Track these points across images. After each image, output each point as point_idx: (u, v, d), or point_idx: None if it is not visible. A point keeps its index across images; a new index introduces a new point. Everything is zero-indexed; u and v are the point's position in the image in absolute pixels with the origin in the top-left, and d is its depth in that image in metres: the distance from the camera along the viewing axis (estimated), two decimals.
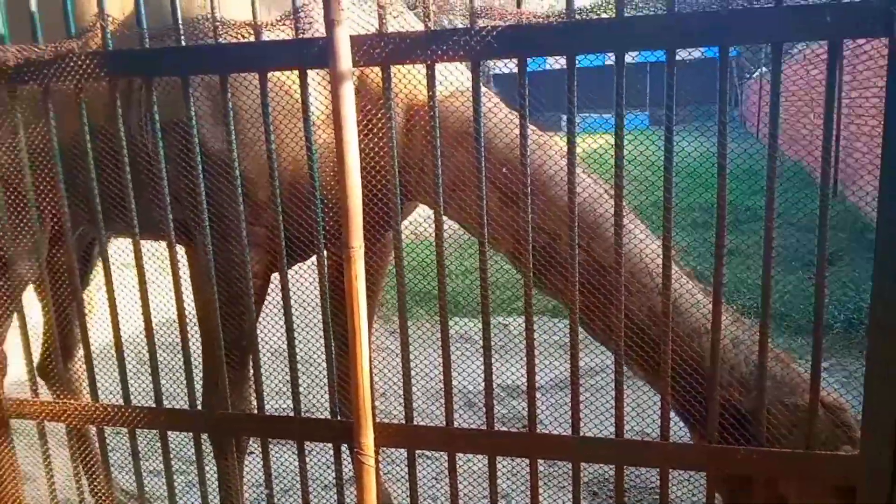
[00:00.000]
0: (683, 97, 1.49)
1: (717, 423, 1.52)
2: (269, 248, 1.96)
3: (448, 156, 1.77)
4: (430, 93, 1.51)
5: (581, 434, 1.58)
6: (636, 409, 1.89)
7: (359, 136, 1.66)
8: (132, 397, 1.88)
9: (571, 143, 1.46)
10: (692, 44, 1.37)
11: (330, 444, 1.78)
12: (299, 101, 1.65)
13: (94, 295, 2.81)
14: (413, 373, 1.71)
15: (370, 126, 1.74)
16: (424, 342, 1.96)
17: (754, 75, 16.26)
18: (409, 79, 1.74)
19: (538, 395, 1.63)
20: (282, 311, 1.76)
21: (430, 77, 1.50)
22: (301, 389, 1.77)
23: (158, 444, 1.90)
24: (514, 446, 1.68)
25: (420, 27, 1.59)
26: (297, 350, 1.76)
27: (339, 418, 1.77)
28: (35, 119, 1.75)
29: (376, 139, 1.73)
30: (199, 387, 1.89)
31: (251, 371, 1.90)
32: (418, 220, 2.49)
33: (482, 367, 1.63)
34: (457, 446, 1.69)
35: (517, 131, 1.60)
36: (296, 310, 1.77)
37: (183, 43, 1.58)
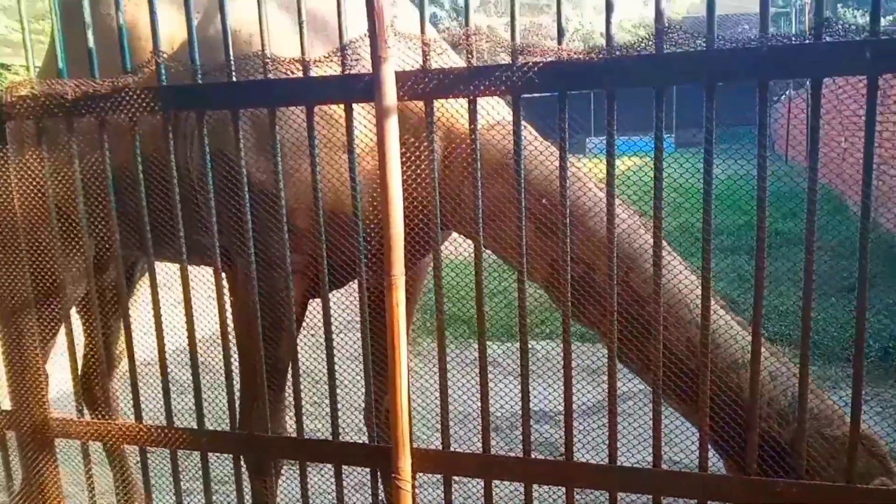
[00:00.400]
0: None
1: (756, 454, 1.52)
2: (307, 274, 2.01)
3: (486, 186, 1.81)
4: (472, 126, 1.56)
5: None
6: (667, 436, 1.89)
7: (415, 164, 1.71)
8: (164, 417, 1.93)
9: (611, 177, 1.49)
10: (731, 79, 1.40)
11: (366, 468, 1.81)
12: (341, 132, 1.71)
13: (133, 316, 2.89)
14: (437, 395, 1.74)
15: (409, 156, 1.79)
16: (450, 365, 1.97)
17: (782, 97, 16.18)
18: (448, 109, 1.79)
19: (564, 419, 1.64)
20: (309, 333, 1.80)
21: (472, 111, 1.55)
22: (325, 412, 1.80)
23: (186, 464, 1.95)
24: (551, 474, 1.69)
25: (459, 62, 1.64)
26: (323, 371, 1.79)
27: (375, 443, 1.80)
28: (90, 149, 1.82)
29: (415, 169, 1.77)
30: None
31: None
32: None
33: (507, 392, 1.65)
34: (493, 473, 1.70)
35: (555, 163, 1.64)
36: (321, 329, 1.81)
37: (234, 78, 1.64)
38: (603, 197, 1.77)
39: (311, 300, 2.15)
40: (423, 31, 1.55)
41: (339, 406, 1.82)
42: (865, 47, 1.29)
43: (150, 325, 1.90)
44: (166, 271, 2.08)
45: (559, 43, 1.47)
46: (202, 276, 1.95)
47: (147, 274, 1.94)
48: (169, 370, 1.90)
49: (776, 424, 1.63)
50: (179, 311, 1.87)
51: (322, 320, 1.78)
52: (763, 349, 1.56)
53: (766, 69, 1.37)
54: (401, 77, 1.52)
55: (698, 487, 1.53)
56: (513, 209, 1.71)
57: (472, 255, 1.67)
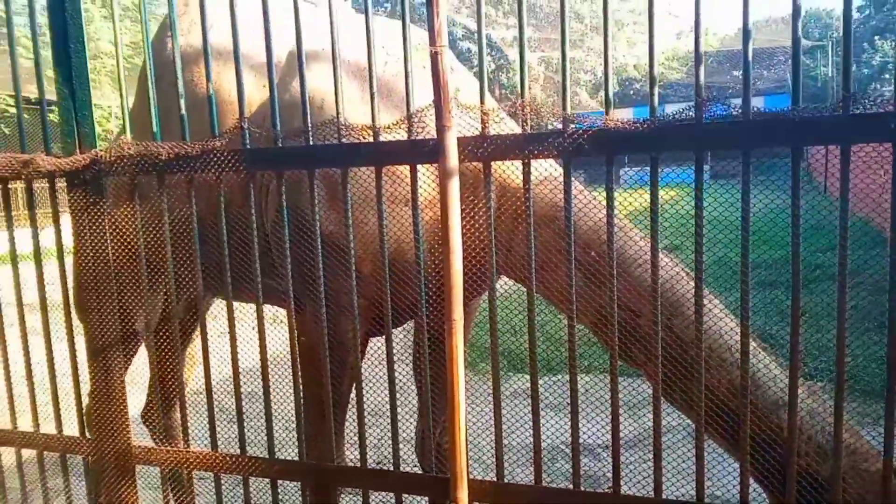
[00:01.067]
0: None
1: (795, 490, 1.62)
2: (368, 317, 2.18)
3: (535, 237, 1.96)
4: (526, 186, 1.72)
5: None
6: (709, 470, 1.99)
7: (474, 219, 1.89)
8: (219, 444, 2.10)
9: (654, 232, 1.63)
10: (765, 145, 1.54)
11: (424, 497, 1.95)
12: (403, 187, 1.90)
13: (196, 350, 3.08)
14: (478, 427, 1.87)
15: (466, 209, 1.96)
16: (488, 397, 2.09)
17: None
18: (500, 165, 1.96)
19: (603, 452, 1.76)
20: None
21: (526, 173, 1.71)
22: (371, 441, 1.95)
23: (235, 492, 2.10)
24: None
25: (514, 127, 1.81)
26: (368, 403, 1.94)
27: (434, 473, 1.94)
28: (178, 203, 2.03)
29: (472, 221, 1.94)
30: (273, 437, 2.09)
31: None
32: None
33: (548, 424, 1.77)
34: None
35: (600, 215, 1.79)
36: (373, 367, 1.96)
37: (311, 142, 1.84)
38: (646, 246, 1.91)
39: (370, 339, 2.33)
40: (482, 101, 1.72)
41: (383, 436, 1.97)
42: (889, 118, 1.43)
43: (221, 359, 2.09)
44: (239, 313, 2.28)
45: (606, 112, 1.63)
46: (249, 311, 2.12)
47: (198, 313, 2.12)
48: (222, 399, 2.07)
49: (814, 462, 1.73)
50: (252, 349, 2.05)
51: (384, 357, 1.93)
52: (802, 389, 1.67)
53: (798, 137, 1.51)
54: (462, 142, 1.69)
55: None
56: (561, 258, 1.86)
57: (511, 290, 1.81)
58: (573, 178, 1.75)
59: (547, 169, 2.04)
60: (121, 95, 2.08)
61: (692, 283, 1.86)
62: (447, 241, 1.69)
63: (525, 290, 2.11)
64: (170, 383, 2.58)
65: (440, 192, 1.67)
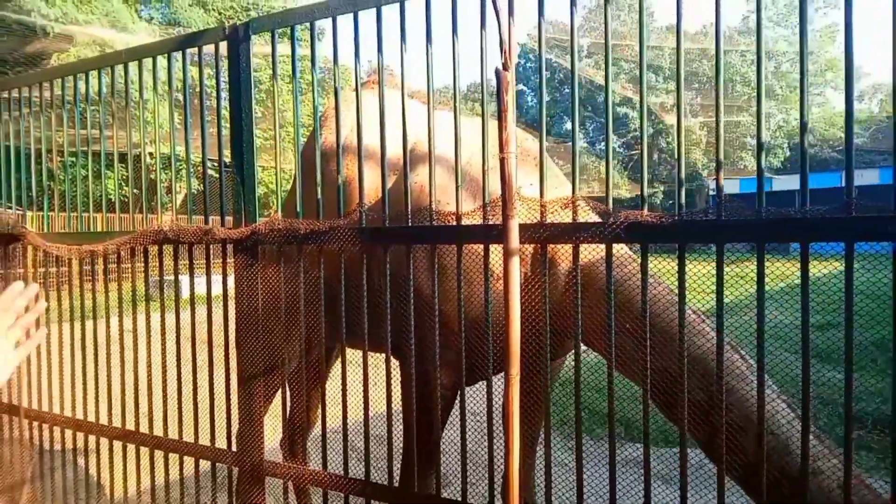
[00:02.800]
0: None
1: None
2: (455, 367, 2.57)
3: (596, 306, 2.28)
4: (575, 264, 2.07)
5: None
6: None
7: (525, 292, 2.26)
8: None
9: (681, 311, 1.90)
10: (778, 240, 1.78)
11: None
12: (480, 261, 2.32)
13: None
14: (587, 488, 2.15)
15: (533, 285, 2.33)
16: (600, 461, 2.34)
17: None
18: (566, 248, 2.32)
19: None
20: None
21: (576, 255, 2.06)
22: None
23: None
24: None
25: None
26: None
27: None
28: (311, 266, 2.59)
29: (537, 295, 2.30)
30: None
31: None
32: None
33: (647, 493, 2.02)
34: None
35: (655, 290, 2.09)
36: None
37: (409, 223, 2.32)
38: (694, 318, 2.17)
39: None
40: (542, 195, 2.11)
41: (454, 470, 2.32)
42: (888, 223, 1.63)
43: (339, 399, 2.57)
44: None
45: (642, 207, 1.95)
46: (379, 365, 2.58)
47: (339, 357, 2.63)
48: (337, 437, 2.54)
49: None
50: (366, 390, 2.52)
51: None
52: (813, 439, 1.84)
53: (804, 233, 1.74)
54: (524, 228, 2.09)
55: None
56: (619, 327, 2.16)
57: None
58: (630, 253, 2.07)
59: (620, 249, 2.35)
60: (276, 182, 2.71)
61: (737, 356, 2.09)
62: (508, 307, 2.07)
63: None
64: (300, 417, 3.13)
65: (503, 267, 2.06)
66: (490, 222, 2.20)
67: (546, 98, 2.17)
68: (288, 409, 3.09)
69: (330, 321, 2.61)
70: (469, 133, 2.55)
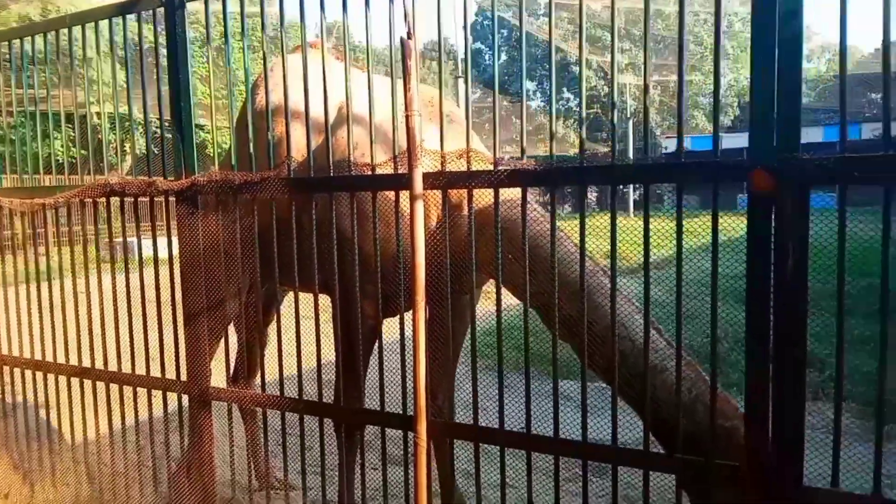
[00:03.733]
0: None
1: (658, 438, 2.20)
2: (377, 299, 2.92)
3: (492, 243, 2.65)
4: (469, 206, 2.43)
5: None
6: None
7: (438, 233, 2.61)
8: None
9: (552, 246, 2.29)
10: (637, 181, 2.16)
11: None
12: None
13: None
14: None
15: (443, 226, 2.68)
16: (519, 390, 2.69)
17: None
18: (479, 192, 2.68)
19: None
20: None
21: (470, 198, 2.42)
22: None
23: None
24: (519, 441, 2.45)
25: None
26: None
27: (408, 413, 2.65)
28: (245, 214, 2.89)
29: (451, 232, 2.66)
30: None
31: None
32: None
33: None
34: (481, 438, 2.49)
35: (540, 226, 2.46)
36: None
37: (332, 174, 2.64)
38: (571, 249, 2.55)
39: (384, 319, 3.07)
40: (441, 147, 2.46)
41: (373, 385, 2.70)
42: None
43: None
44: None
45: (522, 158, 2.31)
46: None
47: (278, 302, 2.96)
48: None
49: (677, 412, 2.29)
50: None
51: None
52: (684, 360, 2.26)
53: (683, 178, 2.12)
54: (426, 176, 2.43)
55: (642, 461, 2.23)
56: (511, 258, 2.53)
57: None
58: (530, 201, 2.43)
59: (512, 193, 2.71)
60: (213, 136, 2.99)
61: (607, 280, 2.48)
62: (413, 245, 2.42)
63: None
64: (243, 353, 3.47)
65: (410, 209, 2.41)
66: (399, 172, 2.54)
67: (503, 58, 2.49)
68: (237, 345, 3.42)
69: (265, 264, 2.93)
70: (385, 94, 2.86)
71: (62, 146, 4.18)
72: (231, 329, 3.41)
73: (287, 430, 2.97)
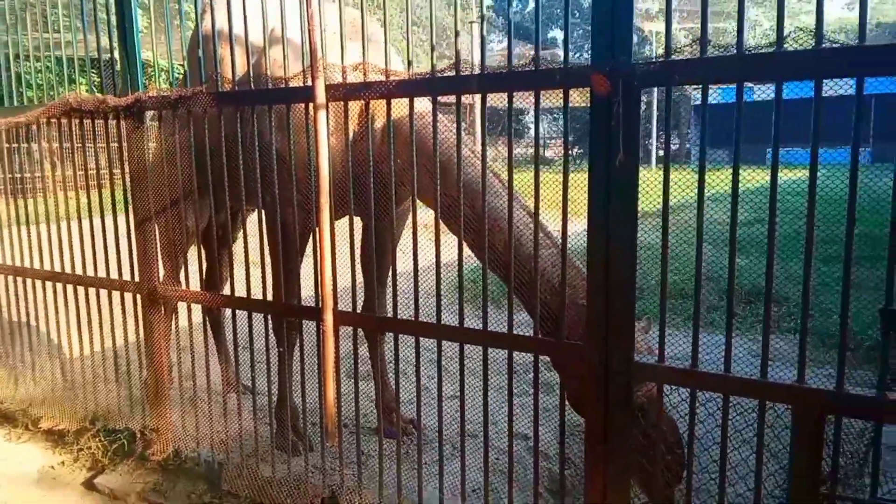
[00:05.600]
0: None
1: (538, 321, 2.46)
2: (305, 207, 3.18)
3: (402, 152, 2.86)
4: (366, 116, 2.67)
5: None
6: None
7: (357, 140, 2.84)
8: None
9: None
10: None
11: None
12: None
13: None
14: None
15: (357, 139, 2.92)
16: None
17: None
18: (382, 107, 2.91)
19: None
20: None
21: (365, 108, 2.66)
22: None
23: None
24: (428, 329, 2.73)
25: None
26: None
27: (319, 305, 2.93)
28: (182, 128, 3.17)
29: (359, 147, 2.90)
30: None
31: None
32: None
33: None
34: (385, 328, 2.78)
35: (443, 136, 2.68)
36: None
37: (252, 87, 2.89)
38: (469, 154, 2.77)
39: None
40: (342, 60, 2.68)
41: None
42: None
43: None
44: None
45: (408, 70, 2.53)
46: None
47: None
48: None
49: (549, 296, 2.54)
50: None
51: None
52: (553, 251, 2.50)
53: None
54: (328, 87, 2.67)
55: (512, 343, 2.50)
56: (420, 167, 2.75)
57: None
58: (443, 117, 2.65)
59: (425, 107, 2.90)
60: (155, 61, 3.26)
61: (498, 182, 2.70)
62: (318, 151, 2.67)
63: None
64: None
65: (314, 119, 2.66)
66: (307, 84, 2.78)
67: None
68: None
69: (204, 175, 3.21)
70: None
71: (31, 72, 4.48)
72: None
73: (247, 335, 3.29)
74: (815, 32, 1.86)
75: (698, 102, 2.13)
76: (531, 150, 2.47)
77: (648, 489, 2.46)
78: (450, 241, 2.64)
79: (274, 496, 3.06)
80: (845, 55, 1.83)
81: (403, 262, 2.82)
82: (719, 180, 2.18)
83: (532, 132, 2.54)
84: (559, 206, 2.34)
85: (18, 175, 3.96)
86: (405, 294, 2.82)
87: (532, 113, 2.39)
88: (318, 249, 2.74)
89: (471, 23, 22.11)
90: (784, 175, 2.03)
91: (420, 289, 2.68)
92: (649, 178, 2.24)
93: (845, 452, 2.02)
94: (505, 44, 2.51)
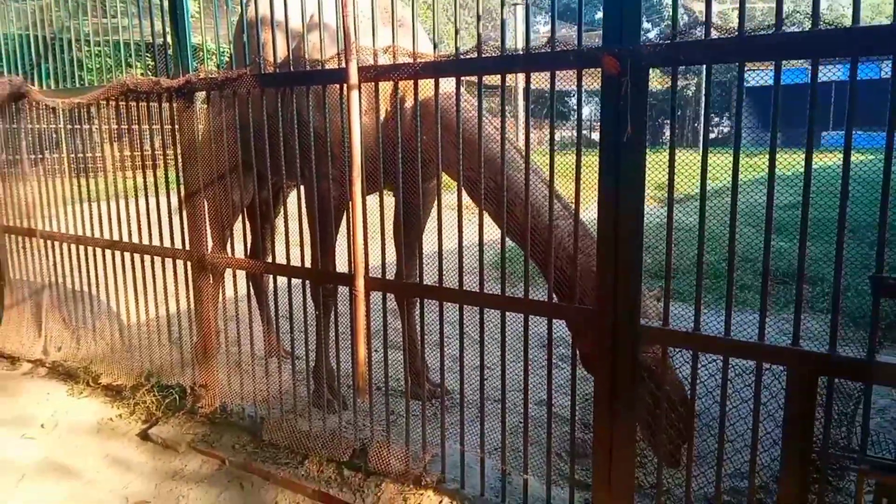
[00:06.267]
0: None
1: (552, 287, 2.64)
2: (341, 182, 3.40)
3: (429, 131, 3.05)
4: (394, 97, 2.86)
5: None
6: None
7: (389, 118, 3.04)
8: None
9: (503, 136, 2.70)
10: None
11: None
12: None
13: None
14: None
15: (388, 118, 3.12)
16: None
17: None
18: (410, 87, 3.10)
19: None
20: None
21: (395, 89, 2.85)
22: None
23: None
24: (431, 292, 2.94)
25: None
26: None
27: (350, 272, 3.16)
28: (227, 108, 3.42)
29: (391, 126, 3.10)
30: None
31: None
32: None
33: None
34: (412, 293, 2.99)
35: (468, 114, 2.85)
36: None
37: (291, 69, 3.11)
38: (491, 131, 2.94)
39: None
40: (374, 44, 2.88)
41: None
42: None
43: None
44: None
45: (455, 54, 2.71)
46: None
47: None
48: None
49: (565, 263, 2.70)
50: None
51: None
52: (570, 222, 2.66)
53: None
54: (361, 70, 2.86)
55: (526, 307, 2.68)
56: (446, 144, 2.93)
57: None
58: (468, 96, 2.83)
59: (451, 87, 3.07)
60: (203, 47, 3.50)
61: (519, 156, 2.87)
62: (350, 129, 2.88)
63: None
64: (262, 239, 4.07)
65: (347, 98, 2.86)
66: (342, 66, 2.98)
67: None
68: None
69: (247, 152, 3.46)
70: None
71: (93, 61, 4.81)
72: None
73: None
74: (811, 14, 1.98)
75: (750, 84, 2.17)
76: (573, 133, 2.57)
77: (655, 446, 2.62)
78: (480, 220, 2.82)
79: (310, 447, 3.32)
80: (840, 36, 1.94)
81: (447, 240, 2.94)
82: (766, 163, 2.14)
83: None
84: (593, 189, 2.45)
85: (82, 155, 4.27)
86: (437, 265, 3.01)
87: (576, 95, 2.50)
88: (351, 220, 2.96)
89: (514, 5, 22.18)
90: (832, 159, 2.07)
91: (450, 263, 2.87)
92: (690, 161, 2.30)
93: (836, 412, 2.15)
94: (548, 27, 2.60)
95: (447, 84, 2.84)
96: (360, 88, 2.90)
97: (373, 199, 3.14)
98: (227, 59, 4.42)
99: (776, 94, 2.12)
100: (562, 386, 3.30)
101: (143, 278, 4.03)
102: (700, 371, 2.36)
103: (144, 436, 3.83)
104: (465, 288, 2.83)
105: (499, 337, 2.76)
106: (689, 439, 2.43)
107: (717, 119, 33.87)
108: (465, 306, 2.85)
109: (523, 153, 2.85)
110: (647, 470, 2.93)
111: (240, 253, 3.72)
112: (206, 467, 3.56)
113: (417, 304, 3.48)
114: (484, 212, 2.93)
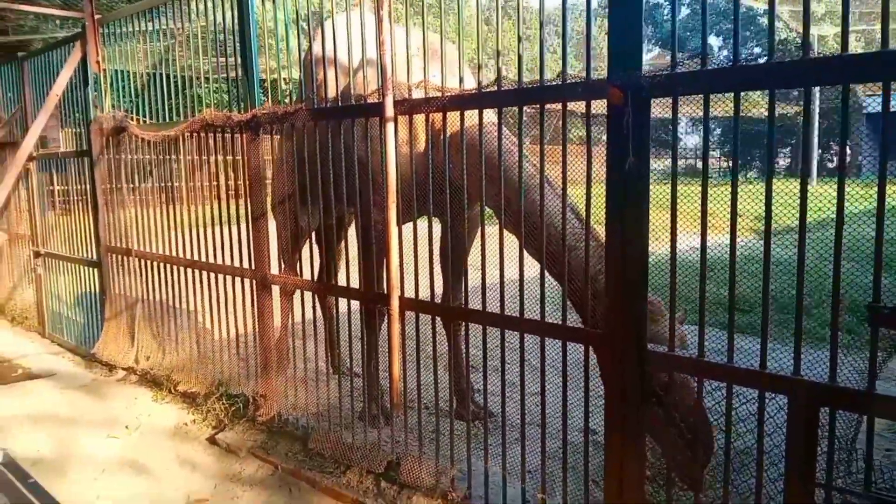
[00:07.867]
0: None
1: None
2: (381, 209, 3.61)
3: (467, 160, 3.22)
4: (427, 127, 3.05)
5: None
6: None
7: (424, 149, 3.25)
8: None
9: (544, 157, 2.85)
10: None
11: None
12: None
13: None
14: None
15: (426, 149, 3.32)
16: None
17: None
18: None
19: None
20: None
21: (427, 120, 3.04)
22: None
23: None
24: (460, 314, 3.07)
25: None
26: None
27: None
28: (286, 139, 3.74)
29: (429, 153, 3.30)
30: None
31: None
32: None
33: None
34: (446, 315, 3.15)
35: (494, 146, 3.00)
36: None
37: (340, 104, 3.39)
38: (526, 167, 3.06)
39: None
40: (408, 79, 3.09)
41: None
42: None
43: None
44: None
45: (478, 88, 2.89)
46: None
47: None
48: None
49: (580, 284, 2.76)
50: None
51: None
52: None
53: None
54: (397, 103, 3.08)
55: (564, 332, 2.77)
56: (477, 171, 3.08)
57: None
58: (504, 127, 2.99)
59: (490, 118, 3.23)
60: (269, 84, 3.86)
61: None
62: (387, 159, 3.10)
63: None
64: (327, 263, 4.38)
65: (384, 131, 3.09)
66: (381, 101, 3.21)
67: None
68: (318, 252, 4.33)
69: (304, 181, 3.76)
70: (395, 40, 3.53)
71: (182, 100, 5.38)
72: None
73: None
74: (801, 44, 2.00)
75: (871, 110, 2.06)
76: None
77: (677, 469, 2.59)
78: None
79: (351, 457, 3.52)
80: (832, 64, 1.95)
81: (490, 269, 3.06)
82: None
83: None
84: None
85: (169, 184, 4.77)
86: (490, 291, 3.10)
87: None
88: (387, 244, 3.16)
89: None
90: None
91: (492, 292, 2.97)
92: (811, 192, 2.12)
93: (837, 441, 2.09)
94: (653, 52, 2.67)
95: (485, 115, 2.98)
96: (396, 120, 3.12)
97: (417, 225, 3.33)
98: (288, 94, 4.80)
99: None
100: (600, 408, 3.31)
101: (217, 294, 4.41)
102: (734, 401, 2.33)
103: (212, 440, 4.17)
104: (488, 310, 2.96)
105: (534, 362, 2.86)
106: (705, 464, 2.42)
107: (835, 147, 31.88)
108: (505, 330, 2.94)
109: (553, 182, 2.95)
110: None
111: (305, 271, 4.03)
112: (261, 471, 3.83)
113: (462, 327, 3.62)
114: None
